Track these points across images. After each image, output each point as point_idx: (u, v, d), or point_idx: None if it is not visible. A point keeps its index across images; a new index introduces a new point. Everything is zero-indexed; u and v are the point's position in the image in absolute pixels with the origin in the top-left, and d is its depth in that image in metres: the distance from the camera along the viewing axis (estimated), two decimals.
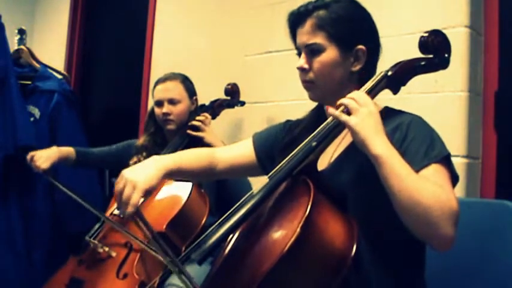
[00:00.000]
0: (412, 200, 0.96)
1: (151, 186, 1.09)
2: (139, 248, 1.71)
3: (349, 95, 1.07)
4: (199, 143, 1.97)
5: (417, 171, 1.02)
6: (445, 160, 1.07)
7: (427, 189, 0.96)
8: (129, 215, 1.06)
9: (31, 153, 2.06)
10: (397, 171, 0.97)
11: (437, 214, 0.95)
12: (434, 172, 1.04)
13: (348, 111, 1.04)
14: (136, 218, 1.07)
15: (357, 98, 1.05)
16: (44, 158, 2.04)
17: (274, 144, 1.32)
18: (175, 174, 1.22)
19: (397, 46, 1.63)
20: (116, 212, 1.82)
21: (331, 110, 1.06)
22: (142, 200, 1.08)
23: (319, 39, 1.17)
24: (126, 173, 1.10)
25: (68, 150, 2.18)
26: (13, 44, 2.64)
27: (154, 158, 1.18)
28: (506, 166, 1.74)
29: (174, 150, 1.95)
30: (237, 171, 1.37)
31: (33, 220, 2.45)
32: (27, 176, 2.44)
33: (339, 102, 1.07)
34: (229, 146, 1.43)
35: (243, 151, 1.36)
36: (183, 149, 1.96)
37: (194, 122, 1.97)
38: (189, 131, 1.97)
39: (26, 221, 2.43)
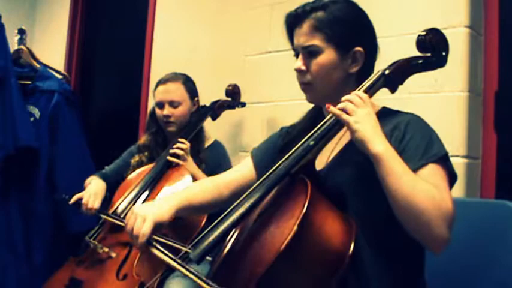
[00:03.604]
0: (408, 200, 0.97)
1: (163, 220, 1.12)
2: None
3: (345, 97, 1.07)
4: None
5: (415, 170, 1.03)
6: (443, 160, 1.07)
7: (423, 190, 0.97)
8: (141, 247, 1.08)
9: (76, 197, 1.89)
10: (395, 170, 0.98)
11: (433, 215, 0.96)
12: (432, 172, 1.04)
13: (346, 113, 1.05)
14: (151, 249, 1.07)
15: (353, 100, 1.05)
16: (92, 198, 1.88)
17: (273, 154, 1.32)
18: (186, 210, 1.23)
19: (397, 46, 1.63)
20: (118, 211, 1.82)
21: (331, 108, 1.06)
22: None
23: (317, 41, 1.17)
24: (137, 209, 1.13)
25: (96, 178, 2.05)
26: (13, 44, 2.64)
27: (167, 196, 1.22)
28: (506, 166, 1.73)
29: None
30: (243, 193, 1.35)
31: (33, 220, 2.45)
32: (27, 176, 2.45)
33: (337, 106, 1.07)
34: (230, 170, 1.43)
35: (244, 172, 1.35)
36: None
37: (177, 151, 1.88)
38: (169, 158, 1.89)
39: (26, 221, 2.43)
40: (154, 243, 1.09)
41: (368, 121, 1.03)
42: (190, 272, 0.99)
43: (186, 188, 1.35)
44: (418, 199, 0.96)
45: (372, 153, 1.01)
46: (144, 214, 1.10)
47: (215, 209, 1.34)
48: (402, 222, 1.00)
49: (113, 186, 2.12)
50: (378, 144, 1.01)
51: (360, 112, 1.03)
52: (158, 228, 1.11)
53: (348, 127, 1.04)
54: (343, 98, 1.07)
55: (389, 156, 1.00)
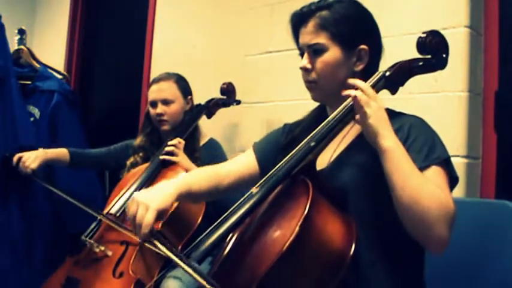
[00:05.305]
0: (412, 198, 0.97)
1: (165, 207, 1.10)
2: (135, 246, 1.72)
3: (357, 85, 1.06)
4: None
5: None
6: (445, 163, 1.08)
7: (428, 189, 0.98)
8: (145, 236, 1.05)
9: (18, 155, 2.06)
10: (403, 167, 1.00)
11: (435, 215, 0.97)
12: (434, 174, 1.05)
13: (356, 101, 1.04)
14: (154, 240, 1.05)
15: (366, 91, 1.05)
16: (32, 158, 2.06)
17: (275, 149, 1.32)
18: (186, 196, 1.21)
19: (397, 46, 1.63)
20: (113, 211, 1.82)
21: (349, 91, 1.05)
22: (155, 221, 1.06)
23: (322, 39, 1.17)
24: (138, 196, 1.10)
25: (61, 151, 2.18)
26: (13, 44, 2.64)
27: (166, 181, 1.19)
28: (506, 166, 1.73)
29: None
30: (243, 184, 1.34)
31: (33, 220, 2.44)
32: (27, 176, 2.44)
33: (347, 92, 1.06)
34: (230, 160, 1.42)
35: (245, 163, 1.35)
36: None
37: (167, 148, 1.90)
38: (162, 157, 1.89)
39: (26, 221, 2.42)
40: (156, 234, 1.06)
41: (381, 115, 1.03)
42: (191, 266, 0.96)
43: (186, 174, 1.34)
44: (424, 198, 0.97)
45: (381, 148, 1.01)
46: (146, 202, 1.07)
47: (213, 197, 1.32)
48: (404, 221, 1.01)
49: (87, 167, 2.32)
50: (389, 139, 1.01)
51: (373, 105, 1.03)
52: (161, 216, 1.09)
53: (361, 118, 1.04)
54: (357, 83, 1.06)
55: (399, 152, 1.01)
